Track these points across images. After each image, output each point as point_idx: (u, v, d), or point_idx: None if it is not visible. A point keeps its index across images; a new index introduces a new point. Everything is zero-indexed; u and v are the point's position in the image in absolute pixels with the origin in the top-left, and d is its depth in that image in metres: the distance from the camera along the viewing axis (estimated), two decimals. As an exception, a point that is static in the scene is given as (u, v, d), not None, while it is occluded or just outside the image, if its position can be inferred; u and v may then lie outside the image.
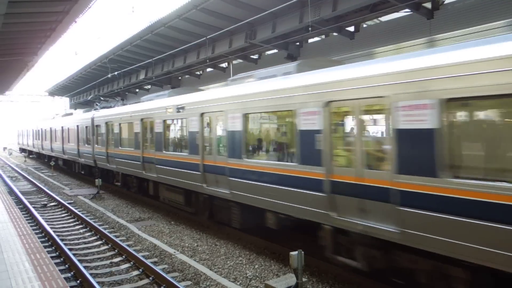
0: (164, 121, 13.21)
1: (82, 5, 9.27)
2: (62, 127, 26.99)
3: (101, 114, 19.69)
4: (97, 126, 19.98)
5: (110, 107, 21.86)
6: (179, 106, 12.30)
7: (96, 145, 20.07)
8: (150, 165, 14.16)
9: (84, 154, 22.12)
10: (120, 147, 17.03)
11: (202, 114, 11.13)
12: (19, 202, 16.46)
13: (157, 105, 13.86)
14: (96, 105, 23.81)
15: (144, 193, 16.12)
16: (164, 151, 13.19)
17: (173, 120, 13.02)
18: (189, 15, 16.55)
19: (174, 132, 13.38)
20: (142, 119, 14.84)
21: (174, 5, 16.30)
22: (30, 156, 45.87)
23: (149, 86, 31.99)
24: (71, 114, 29.72)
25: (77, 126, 23.31)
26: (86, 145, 21.64)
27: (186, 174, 11.80)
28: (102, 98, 26.41)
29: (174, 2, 17.99)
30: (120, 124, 17.14)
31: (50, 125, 31.05)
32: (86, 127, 21.67)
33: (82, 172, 24.42)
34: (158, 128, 13.53)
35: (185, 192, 12.39)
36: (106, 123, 18.62)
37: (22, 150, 51.93)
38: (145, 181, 15.34)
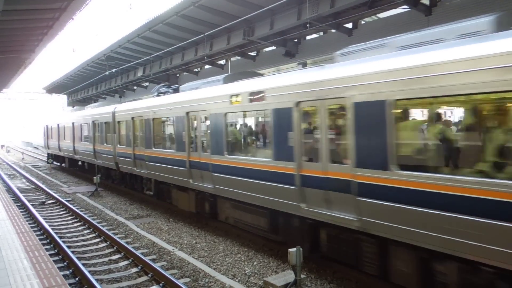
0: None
1: (79, 2, 9.23)
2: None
3: None
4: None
5: None
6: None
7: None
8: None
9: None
10: None
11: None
12: (17, 200, 16.45)
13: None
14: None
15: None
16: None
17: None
18: (187, 12, 16.50)
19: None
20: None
21: (172, 2, 16.23)
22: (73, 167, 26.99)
23: (147, 83, 31.86)
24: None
25: None
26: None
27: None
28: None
29: (171, -2, 17.88)
30: None
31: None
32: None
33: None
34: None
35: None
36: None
37: (55, 157, 31.03)
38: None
